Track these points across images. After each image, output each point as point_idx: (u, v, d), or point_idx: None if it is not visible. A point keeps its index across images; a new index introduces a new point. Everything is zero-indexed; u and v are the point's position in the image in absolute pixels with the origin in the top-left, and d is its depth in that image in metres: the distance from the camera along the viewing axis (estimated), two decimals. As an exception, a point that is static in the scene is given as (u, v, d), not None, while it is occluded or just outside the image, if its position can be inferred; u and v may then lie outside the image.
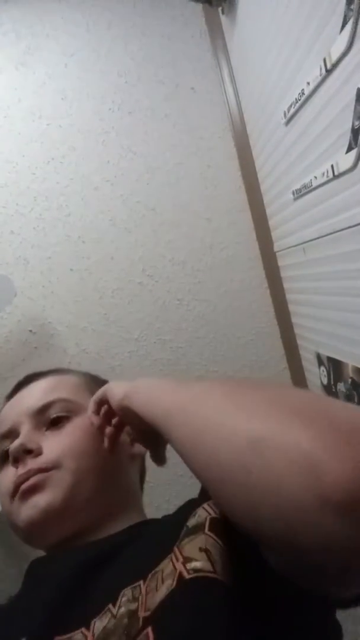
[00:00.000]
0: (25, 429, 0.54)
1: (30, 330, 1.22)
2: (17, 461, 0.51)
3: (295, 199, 0.91)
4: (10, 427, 0.56)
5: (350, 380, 0.83)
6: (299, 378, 1.22)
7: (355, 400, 0.82)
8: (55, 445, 0.52)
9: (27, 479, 0.49)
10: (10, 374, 1.18)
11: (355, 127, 0.61)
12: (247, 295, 1.26)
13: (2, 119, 1.20)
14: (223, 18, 1.15)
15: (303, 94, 0.74)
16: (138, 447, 0.61)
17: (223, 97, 1.22)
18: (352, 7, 0.56)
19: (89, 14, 1.21)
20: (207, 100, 1.24)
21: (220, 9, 1.12)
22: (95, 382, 0.65)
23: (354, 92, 0.59)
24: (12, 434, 0.55)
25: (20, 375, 0.66)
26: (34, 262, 1.22)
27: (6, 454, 0.54)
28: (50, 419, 0.55)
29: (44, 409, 0.56)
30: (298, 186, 0.87)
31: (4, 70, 1.20)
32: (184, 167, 1.24)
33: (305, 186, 0.83)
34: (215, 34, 1.20)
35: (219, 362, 1.27)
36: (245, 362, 1.27)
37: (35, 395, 0.58)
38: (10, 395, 0.63)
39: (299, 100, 0.76)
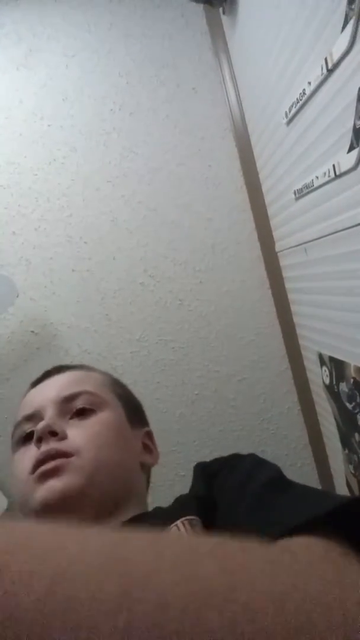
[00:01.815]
0: (50, 414, 0.55)
1: (32, 331, 1.22)
2: (40, 441, 0.52)
3: (296, 199, 0.91)
4: (34, 410, 0.57)
5: (352, 380, 0.82)
6: (300, 378, 1.22)
7: (358, 399, 0.82)
8: (79, 433, 0.54)
9: (48, 459, 0.50)
10: (12, 374, 1.18)
11: (357, 127, 0.61)
12: (249, 295, 1.26)
13: (4, 120, 1.21)
14: (224, 18, 1.15)
15: (304, 93, 0.74)
16: (148, 457, 0.63)
17: (224, 98, 1.22)
18: (353, 6, 0.56)
19: (90, 15, 1.21)
20: (208, 101, 1.24)
21: (221, 9, 1.12)
22: (117, 384, 0.66)
23: (356, 91, 0.59)
24: (36, 417, 0.56)
25: (22, 377, 0.67)
26: (35, 263, 1.22)
27: (27, 436, 0.55)
28: (75, 409, 0.57)
29: (70, 399, 0.57)
30: (299, 186, 0.86)
31: (6, 71, 1.20)
32: (185, 168, 1.24)
33: (306, 186, 0.83)
34: (216, 34, 1.20)
35: (220, 363, 1.27)
36: (246, 362, 1.27)
37: (63, 384, 0.59)
38: (37, 382, 0.64)
39: (300, 100, 0.76)
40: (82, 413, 0.56)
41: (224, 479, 0.49)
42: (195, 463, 0.57)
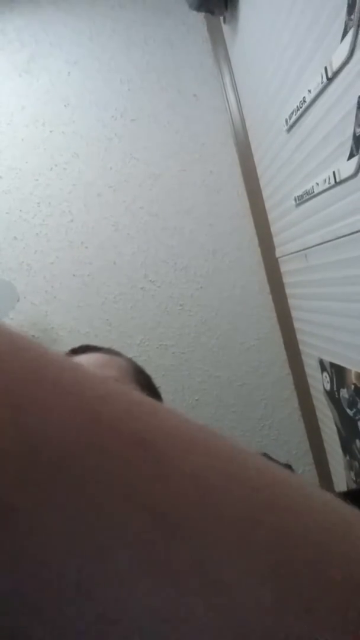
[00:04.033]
0: None
1: (33, 336, 1.22)
2: None
3: (297, 206, 0.91)
4: None
5: (353, 386, 0.82)
6: (301, 384, 1.21)
7: (359, 405, 0.82)
8: None
9: None
10: (12, 379, 1.18)
11: (357, 135, 0.61)
12: (249, 300, 1.26)
13: (6, 126, 1.21)
14: (225, 27, 1.16)
15: (304, 101, 0.75)
16: None
17: (225, 104, 1.23)
18: (352, 16, 0.56)
19: (92, 23, 1.22)
20: (209, 107, 1.24)
21: (222, 17, 1.13)
22: (140, 372, 0.65)
23: (355, 100, 0.60)
24: None
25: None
26: (36, 268, 1.22)
27: None
28: None
29: None
30: (300, 193, 0.87)
31: (8, 77, 1.21)
32: (186, 174, 1.25)
33: (307, 193, 0.83)
34: (217, 42, 1.21)
35: (221, 368, 1.27)
36: (247, 367, 1.27)
37: (88, 365, 0.58)
38: None
39: (301, 107, 0.77)
40: None
41: None
42: None
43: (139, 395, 0.15)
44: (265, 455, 0.51)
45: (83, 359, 0.60)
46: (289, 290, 1.17)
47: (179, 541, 0.12)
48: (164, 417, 0.15)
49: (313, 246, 0.87)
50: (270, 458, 0.49)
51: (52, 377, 0.12)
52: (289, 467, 0.45)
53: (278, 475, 0.15)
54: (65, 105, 1.22)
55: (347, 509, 0.15)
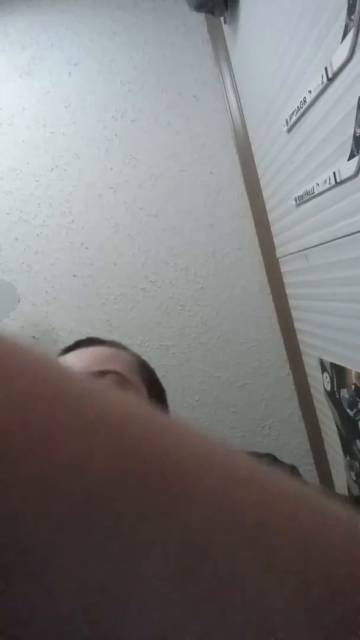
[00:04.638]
0: None
1: (34, 337, 1.22)
2: None
3: (297, 206, 0.92)
4: None
5: (353, 387, 0.82)
6: (302, 385, 1.21)
7: None
8: None
9: None
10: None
11: (357, 135, 0.61)
12: (250, 301, 1.27)
13: (7, 127, 1.22)
14: (225, 27, 1.16)
15: (305, 102, 0.75)
16: None
17: (225, 105, 1.23)
18: (352, 17, 0.56)
19: (93, 24, 1.22)
20: (210, 108, 1.25)
21: (222, 18, 1.13)
22: (145, 368, 0.65)
23: (356, 100, 0.60)
24: None
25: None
26: (37, 269, 1.23)
27: None
28: None
29: (98, 375, 0.55)
30: (300, 193, 0.87)
31: (9, 79, 1.22)
32: (186, 174, 1.25)
33: (307, 193, 0.83)
34: (218, 42, 1.21)
35: (221, 368, 1.27)
36: (248, 368, 1.27)
37: (92, 359, 0.57)
38: (66, 350, 0.62)
39: (301, 108, 0.77)
40: None
41: None
42: None
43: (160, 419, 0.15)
44: (271, 456, 0.51)
45: (87, 352, 0.59)
46: (289, 291, 1.17)
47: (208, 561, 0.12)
48: (187, 438, 0.15)
49: (313, 246, 0.87)
50: (275, 459, 0.49)
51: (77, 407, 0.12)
52: (294, 468, 0.44)
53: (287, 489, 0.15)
54: (65, 107, 1.23)
55: None
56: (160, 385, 0.68)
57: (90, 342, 0.63)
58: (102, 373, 0.56)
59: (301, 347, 1.18)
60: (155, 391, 0.64)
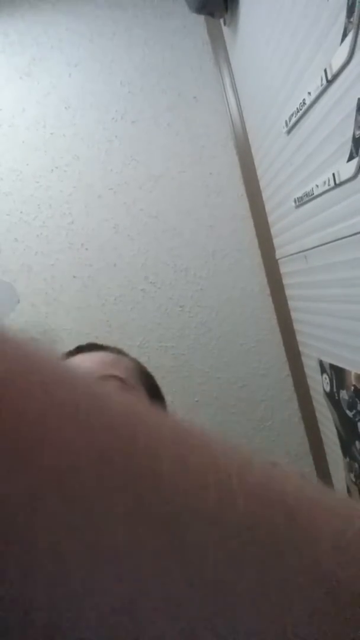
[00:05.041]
0: None
1: (33, 337, 1.22)
2: None
3: (296, 207, 0.92)
4: None
5: (352, 388, 0.82)
6: (301, 386, 1.21)
7: (359, 407, 0.82)
8: None
9: None
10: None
11: (357, 137, 0.62)
12: (249, 302, 1.27)
13: (7, 128, 1.22)
14: (225, 29, 1.16)
15: (304, 103, 0.75)
16: None
17: (225, 106, 1.23)
18: (352, 19, 0.56)
19: (93, 25, 1.22)
20: (209, 109, 1.25)
21: (222, 20, 1.14)
22: (145, 374, 0.65)
23: (355, 102, 0.60)
24: None
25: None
26: (37, 270, 1.23)
27: None
28: None
29: (102, 380, 0.55)
30: (299, 194, 0.87)
31: (9, 80, 1.22)
32: (186, 175, 1.25)
33: (306, 194, 0.83)
34: (217, 44, 1.22)
35: (221, 369, 1.27)
36: (247, 369, 1.27)
37: (93, 364, 0.58)
38: (68, 355, 0.63)
39: (300, 109, 0.77)
40: None
41: None
42: None
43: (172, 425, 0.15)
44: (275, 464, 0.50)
45: (89, 357, 0.60)
46: (288, 292, 1.17)
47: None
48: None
49: (313, 248, 0.87)
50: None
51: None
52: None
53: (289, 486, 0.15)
54: (65, 108, 1.23)
55: None
56: (159, 390, 0.68)
57: (91, 347, 0.64)
58: (106, 378, 0.56)
59: (301, 348, 1.18)
60: (155, 397, 0.64)
